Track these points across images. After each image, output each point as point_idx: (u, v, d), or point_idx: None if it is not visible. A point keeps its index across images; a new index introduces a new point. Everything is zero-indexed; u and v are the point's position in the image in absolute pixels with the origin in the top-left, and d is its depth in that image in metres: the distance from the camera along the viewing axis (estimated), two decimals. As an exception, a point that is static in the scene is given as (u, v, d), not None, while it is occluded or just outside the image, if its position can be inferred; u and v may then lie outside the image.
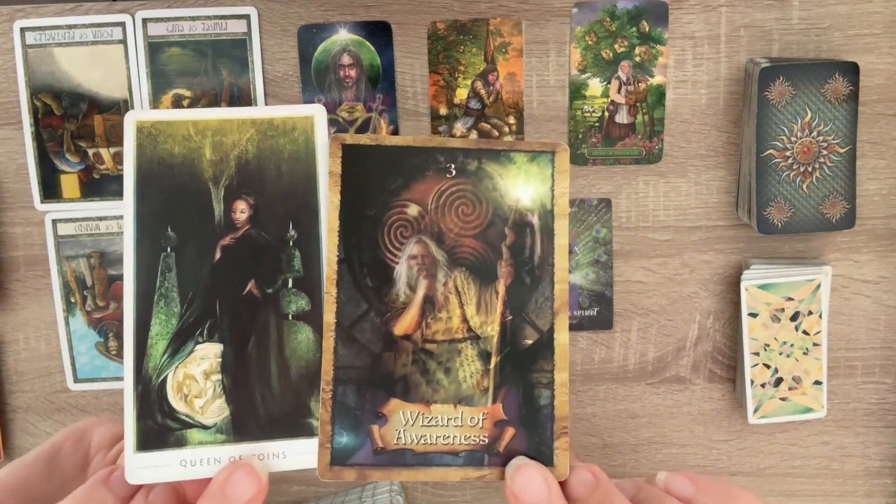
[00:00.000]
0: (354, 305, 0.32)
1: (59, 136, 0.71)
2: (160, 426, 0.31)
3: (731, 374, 0.75)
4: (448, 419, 0.31)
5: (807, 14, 0.69)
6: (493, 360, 0.32)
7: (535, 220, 0.32)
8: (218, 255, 0.32)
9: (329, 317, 0.31)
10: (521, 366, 0.32)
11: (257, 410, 0.31)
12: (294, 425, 0.32)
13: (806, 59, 0.69)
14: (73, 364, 0.75)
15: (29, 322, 0.75)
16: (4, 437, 0.76)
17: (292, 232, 0.32)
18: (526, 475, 0.31)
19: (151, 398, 0.32)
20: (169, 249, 0.32)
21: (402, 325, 0.32)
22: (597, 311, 0.74)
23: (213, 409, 0.32)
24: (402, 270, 0.32)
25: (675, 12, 0.69)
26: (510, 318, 0.32)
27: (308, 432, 0.32)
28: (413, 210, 0.32)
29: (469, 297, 0.32)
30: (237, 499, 0.30)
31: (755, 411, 0.70)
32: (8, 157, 0.72)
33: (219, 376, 0.32)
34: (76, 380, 0.75)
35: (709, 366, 0.75)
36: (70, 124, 0.71)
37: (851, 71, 0.64)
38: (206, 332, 0.32)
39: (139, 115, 0.32)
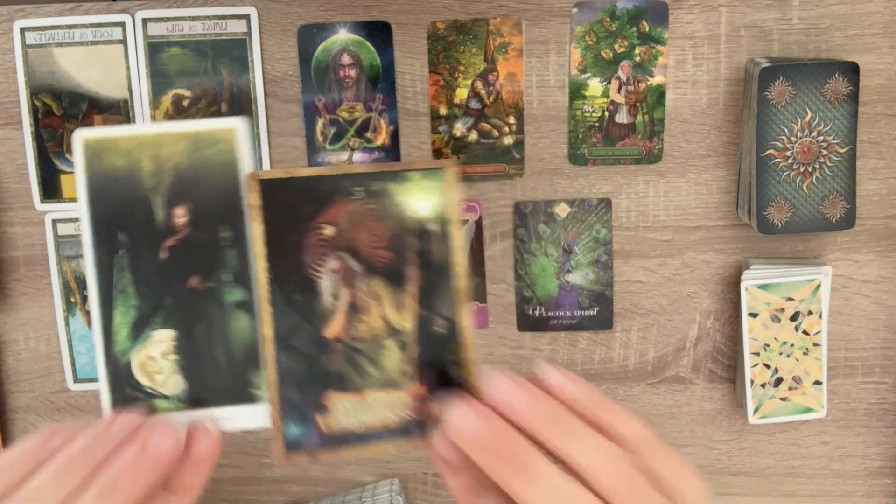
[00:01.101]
0: (288, 318, 0.37)
1: (59, 135, 0.71)
2: (130, 397, 0.38)
3: (731, 374, 0.75)
4: (380, 402, 0.37)
5: (807, 14, 0.69)
6: (412, 349, 0.37)
7: (434, 228, 0.37)
8: (164, 255, 0.38)
9: (267, 331, 0.37)
10: (435, 350, 0.38)
11: (208, 384, 0.38)
12: (239, 394, 0.38)
13: (806, 59, 0.69)
14: (72, 364, 0.75)
15: (29, 322, 0.75)
16: (4, 437, 0.76)
17: (227, 233, 0.38)
18: (454, 410, 0.34)
19: (121, 375, 0.38)
20: (121, 252, 0.38)
21: (332, 330, 0.37)
22: (597, 311, 0.74)
23: (172, 383, 0.38)
24: (325, 283, 0.37)
25: (676, 12, 0.69)
26: (422, 312, 0.37)
27: (250, 399, 0.38)
28: (329, 230, 0.37)
29: (386, 299, 0.37)
30: (199, 452, 0.36)
31: (755, 411, 0.70)
32: (8, 156, 0.72)
33: (174, 356, 0.38)
34: (76, 380, 0.75)
35: (709, 366, 0.75)
36: (70, 124, 0.71)
37: (851, 71, 0.64)
38: (159, 320, 0.38)
39: (85, 133, 0.37)
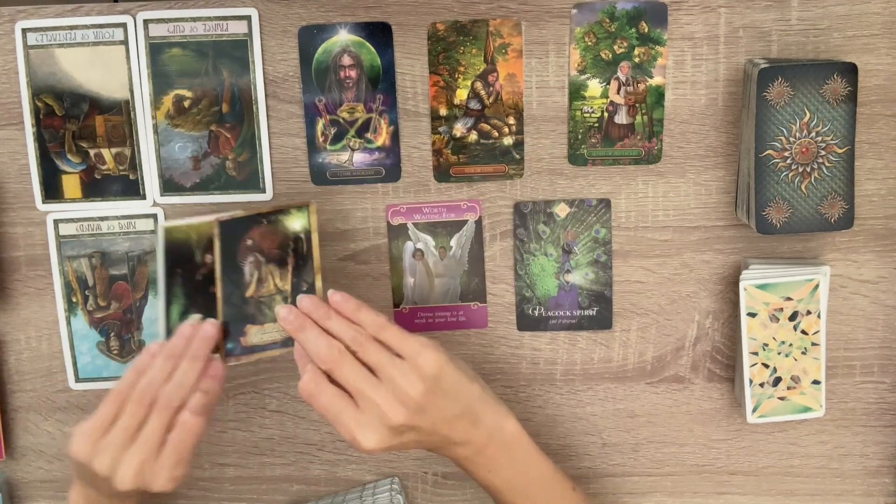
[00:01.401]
0: (228, 287, 0.65)
1: (61, 136, 0.72)
2: None
3: (729, 373, 0.75)
4: (273, 329, 0.65)
5: (805, 15, 0.69)
6: (289, 300, 0.65)
7: (303, 236, 0.66)
8: (199, 278, 0.65)
9: (219, 294, 0.64)
10: None
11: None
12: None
13: (804, 59, 0.69)
14: (74, 364, 0.75)
15: (30, 322, 0.75)
16: (6, 437, 0.76)
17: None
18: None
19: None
20: (178, 278, 0.64)
21: (249, 292, 0.65)
22: (596, 311, 0.74)
23: None
24: (247, 268, 0.65)
25: (675, 13, 0.69)
26: (294, 280, 0.66)
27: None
28: (250, 242, 0.65)
29: (276, 275, 0.65)
30: (211, 370, 0.63)
31: (754, 410, 0.70)
32: (10, 157, 0.72)
33: None
34: (77, 379, 0.75)
35: (708, 365, 0.75)
36: (71, 125, 0.71)
37: (850, 71, 0.64)
38: (194, 309, 0.65)
39: (165, 223, 0.64)
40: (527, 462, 0.65)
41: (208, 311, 0.65)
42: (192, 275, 0.65)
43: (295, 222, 0.65)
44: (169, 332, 0.64)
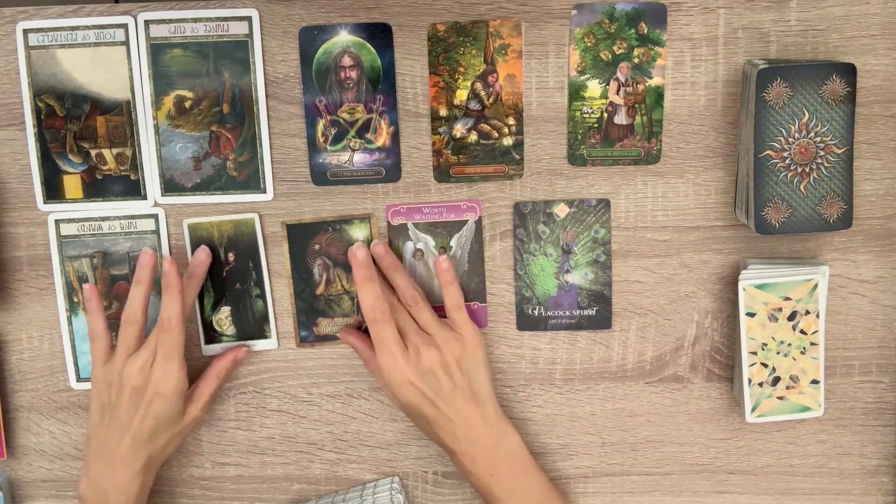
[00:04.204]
0: (300, 285, 0.74)
1: (62, 136, 0.72)
2: (213, 337, 0.75)
3: (728, 373, 0.75)
4: (341, 322, 0.74)
5: (804, 16, 0.69)
6: (356, 300, 0.73)
7: (365, 243, 0.72)
8: (224, 274, 0.74)
9: (290, 291, 0.74)
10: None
11: (246, 329, 0.75)
12: (259, 334, 0.75)
13: (803, 60, 0.69)
14: (75, 363, 0.75)
15: (32, 322, 0.75)
16: (7, 436, 0.77)
17: (251, 263, 0.74)
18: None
19: (209, 326, 0.75)
20: (208, 273, 0.73)
21: (319, 291, 0.74)
22: (595, 311, 0.74)
23: (229, 329, 0.75)
24: (316, 270, 0.74)
25: (674, 14, 0.69)
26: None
27: (265, 337, 0.75)
28: (317, 246, 0.73)
29: (344, 278, 0.74)
30: (237, 354, 0.74)
31: (753, 410, 0.71)
32: (11, 157, 0.73)
33: (230, 318, 0.75)
34: (79, 379, 0.75)
35: (707, 365, 0.75)
36: (73, 125, 0.72)
37: (849, 72, 0.65)
38: (223, 303, 0.74)
39: (188, 220, 0.73)
40: (527, 475, 0.71)
41: (237, 304, 0.74)
42: (219, 270, 0.73)
43: (358, 232, 0.72)
44: (204, 323, 0.75)
